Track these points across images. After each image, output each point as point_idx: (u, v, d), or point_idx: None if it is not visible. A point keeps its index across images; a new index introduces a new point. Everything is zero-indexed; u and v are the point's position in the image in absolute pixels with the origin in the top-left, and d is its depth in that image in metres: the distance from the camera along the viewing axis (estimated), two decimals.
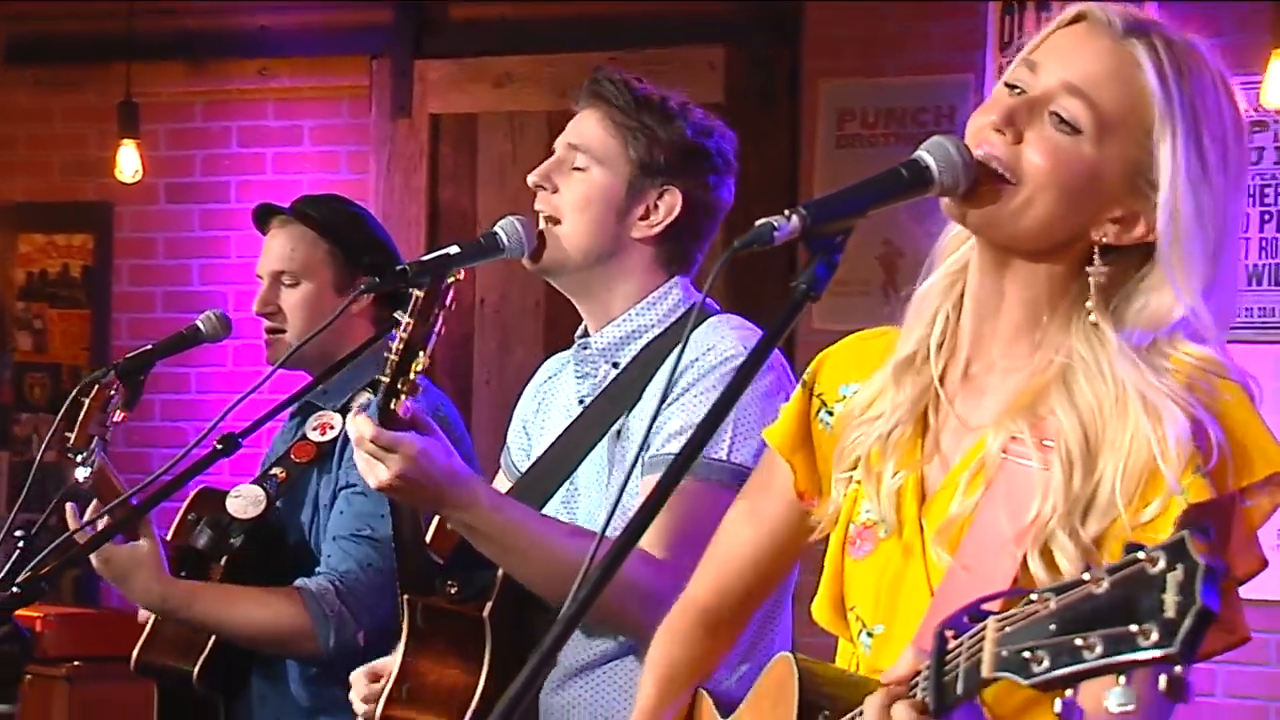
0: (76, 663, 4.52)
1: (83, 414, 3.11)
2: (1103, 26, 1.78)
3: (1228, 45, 4.66)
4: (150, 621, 3.24)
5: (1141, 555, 1.32)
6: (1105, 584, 1.34)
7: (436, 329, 2.47)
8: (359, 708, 2.64)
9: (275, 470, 3.28)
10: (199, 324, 3.32)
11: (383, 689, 2.58)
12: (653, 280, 2.66)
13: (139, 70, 5.78)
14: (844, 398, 1.94)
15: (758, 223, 1.73)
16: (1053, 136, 1.76)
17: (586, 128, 2.66)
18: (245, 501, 3.20)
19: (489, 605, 2.53)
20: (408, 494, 2.46)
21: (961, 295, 1.87)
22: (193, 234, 6.00)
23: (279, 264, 3.35)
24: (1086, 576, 1.36)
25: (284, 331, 3.33)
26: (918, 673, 1.55)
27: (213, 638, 3.19)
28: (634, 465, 1.93)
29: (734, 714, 1.97)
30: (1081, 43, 1.79)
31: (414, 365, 2.46)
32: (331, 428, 3.26)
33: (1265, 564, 1.79)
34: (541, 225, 2.65)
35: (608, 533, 1.68)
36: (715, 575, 2.08)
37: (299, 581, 3.18)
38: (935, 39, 5.18)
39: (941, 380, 1.85)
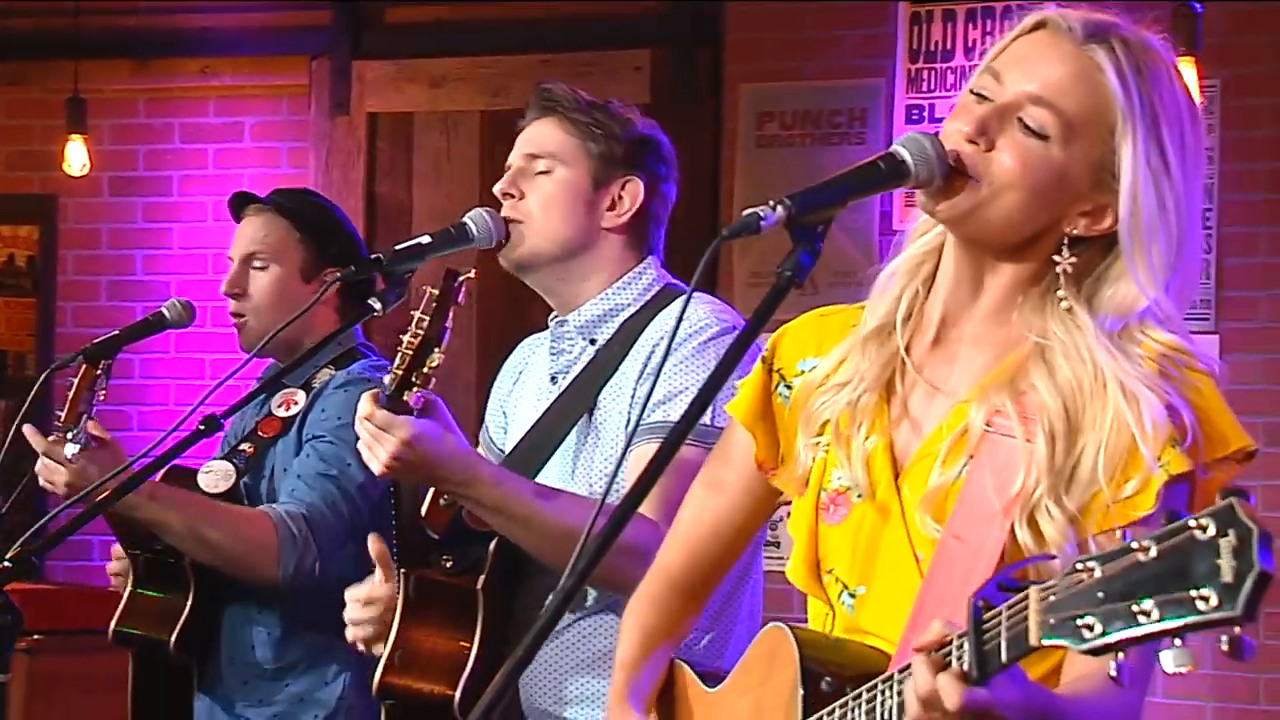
0: (36, 636, 4.44)
1: (71, 394, 3.07)
2: (1063, 33, 1.78)
3: None
4: (126, 595, 3.20)
5: (1192, 523, 1.31)
6: (1153, 551, 1.33)
7: (449, 326, 2.47)
8: (349, 613, 2.62)
9: (243, 446, 3.25)
10: (164, 311, 3.27)
11: (379, 625, 2.56)
12: (625, 264, 2.67)
13: (85, 67, 5.69)
14: (801, 372, 1.93)
15: (744, 212, 1.73)
16: (1022, 141, 1.76)
17: (543, 134, 2.66)
18: (215, 476, 3.18)
19: (482, 578, 2.51)
20: (406, 474, 2.44)
21: (930, 275, 1.88)
22: (136, 225, 5.91)
23: (251, 246, 3.32)
24: (1134, 545, 1.35)
25: (245, 316, 3.29)
26: (946, 643, 1.54)
27: (187, 607, 3.14)
28: (631, 436, 1.93)
29: (720, 685, 1.95)
30: (1044, 50, 1.79)
31: (429, 360, 2.44)
32: (295, 403, 3.24)
33: None
34: (510, 229, 2.64)
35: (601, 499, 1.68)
36: (683, 543, 2.07)
37: (264, 507, 3.14)
38: (849, 45, 5.21)
39: (908, 350, 1.85)
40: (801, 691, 1.73)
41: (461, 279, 2.49)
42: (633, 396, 2.54)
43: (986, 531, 1.70)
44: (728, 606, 2.53)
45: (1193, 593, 1.29)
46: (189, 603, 3.14)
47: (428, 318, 2.46)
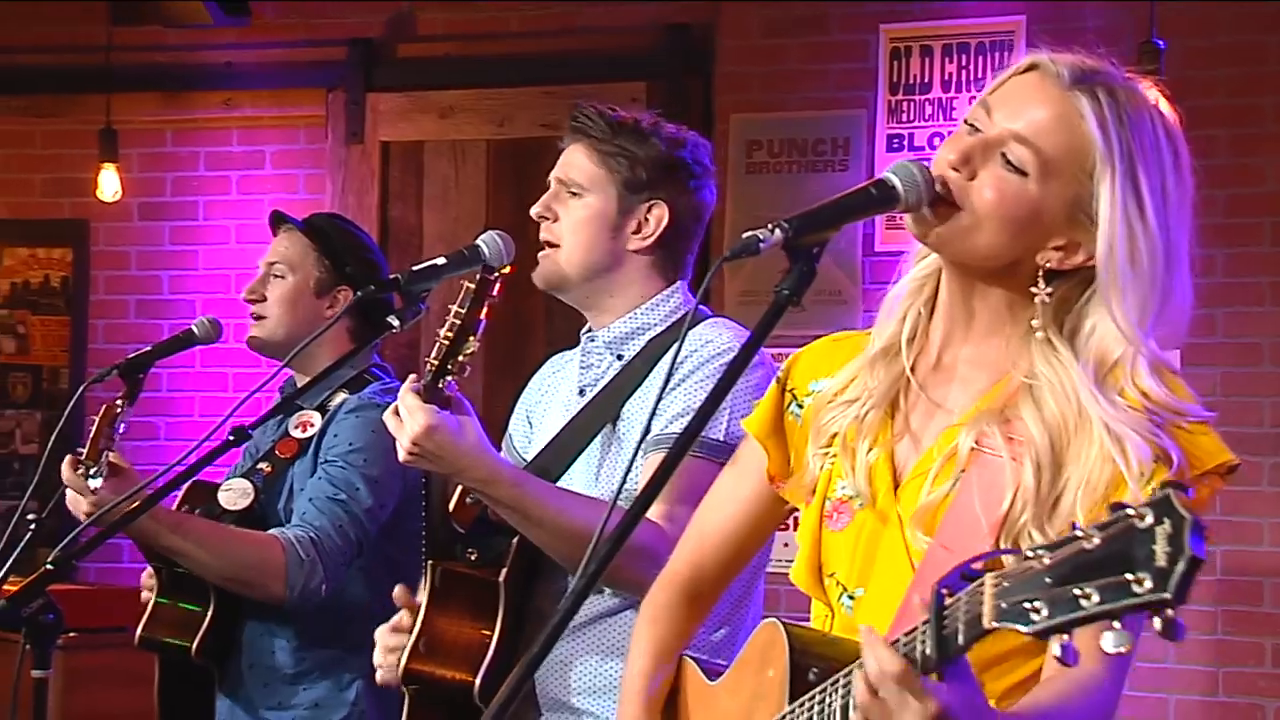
0: (72, 634, 4.43)
1: (93, 431, 3.05)
2: (1052, 77, 1.78)
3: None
4: (150, 604, 3.19)
5: (1130, 512, 1.32)
6: (1096, 539, 1.34)
7: (484, 318, 2.47)
8: (379, 658, 2.61)
9: (261, 465, 3.25)
10: (194, 328, 3.27)
11: (404, 644, 2.55)
12: (652, 286, 2.65)
13: (116, 100, 5.69)
14: (813, 393, 1.95)
15: (744, 235, 1.73)
16: (1002, 175, 1.77)
17: (573, 161, 2.65)
18: (235, 494, 3.17)
19: (504, 571, 2.51)
20: (426, 462, 2.43)
21: (930, 296, 1.89)
22: (163, 248, 5.90)
23: (274, 258, 3.36)
24: (1079, 534, 1.36)
25: (265, 317, 3.30)
26: (912, 630, 1.54)
27: (208, 616, 3.13)
28: (640, 445, 1.93)
29: (719, 678, 1.96)
30: (1032, 91, 1.79)
31: (464, 349, 2.45)
32: (311, 425, 3.24)
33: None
34: (545, 250, 2.64)
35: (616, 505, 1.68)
36: (694, 551, 2.08)
37: (274, 530, 3.13)
38: (832, 78, 5.21)
39: (912, 369, 1.86)
40: (789, 681, 1.73)
41: (497, 274, 2.49)
42: (653, 410, 2.53)
43: (972, 543, 1.69)
44: (740, 605, 2.53)
45: (1129, 577, 1.30)
46: (209, 613, 3.13)
47: (464, 309, 2.46)
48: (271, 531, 3.12)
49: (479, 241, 2.62)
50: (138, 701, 3.34)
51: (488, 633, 2.49)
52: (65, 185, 5.92)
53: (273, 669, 3.20)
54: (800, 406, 1.95)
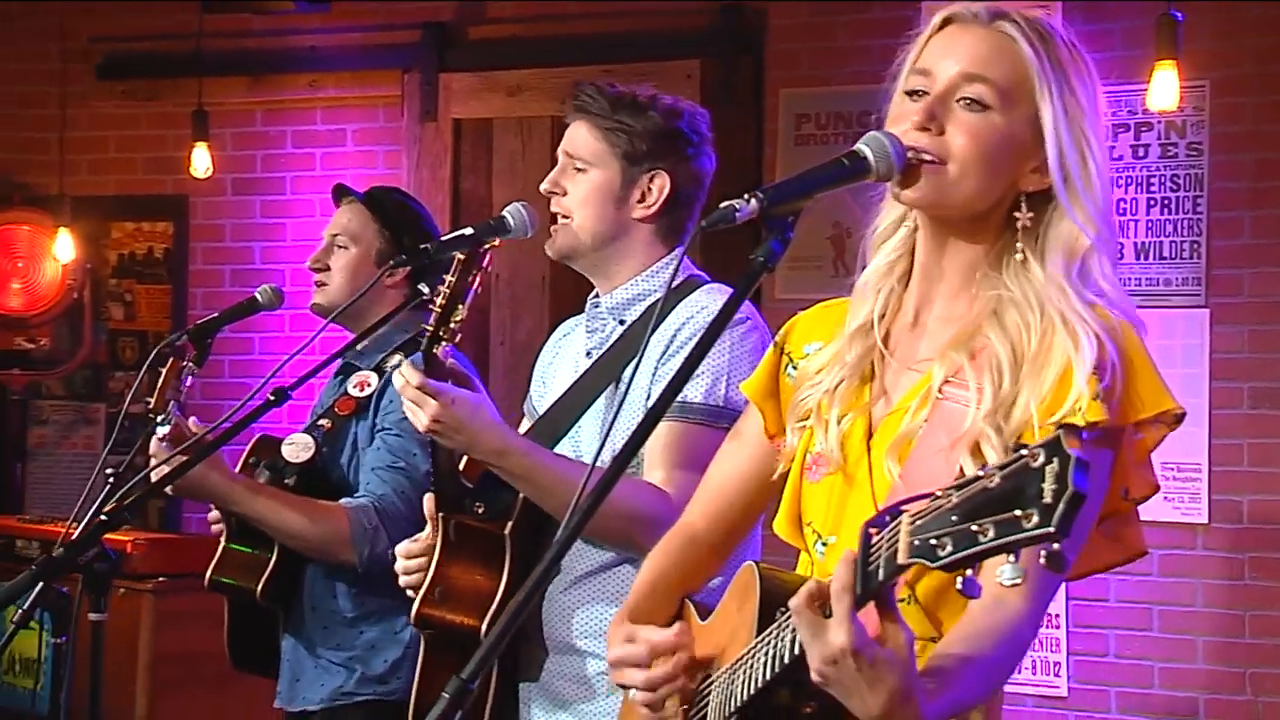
0: (161, 579, 4.50)
1: (160, 383, 3.11)
2: (970, 20, 1.79)
3: (1118, 59, 4.64)
4: (220, 549, 3.23)
5: (1025, 452, 1.33)
6: (996, 478, 1.35)
7: (474, 286, 2.47)
8: (400, 565, 2.63)
9: (322, 421, 3.28)
10: (257, 295, 3.32)
11: (421, 578, 2.57)
12: (655, 253, 2.64)
13: (209, 84, 5.74)
14: (807, 355, 1.94)
15: (722, 205, 1.72)
16: (969, 119, 1.76)
17: (577, 137, 2.64)
18: (297, 447, 3.20)
19: (510, 524, 2.53)
20: (444, 437, 2.44)
21: (904, 273, 1.87)
22: (255, 221, 5.95)
23: (336, 229, 3.39)
24: (982, 474, 1.37)
25: (327, 285, 3.33)
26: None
27: (272, 561, 3.17)
28: (618, 407, 1.93)
29: (709, 618, 1.96)
30: (960, 37, 1.79)
31: (454, 316, 2.45)
32: (368, 385, 3.26)
33: (1157, 488, 1.78)
34: (558, 222, 2.64)
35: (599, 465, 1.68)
36: (706, 504, 2.07)
37: (343, 500, 3.16)
38: (876, 54, 5.05)
39: (886, 338, 1.85)
40: (758, 619, 1.73)
41: (487, 246, 2.50)
42: (654, 374, 2.52)
43: (934, 477, 1.67)
44: (737, 556, 2.52)
45: (1018, 513, 1.31)
46: (274, 557, 3.17)
47: (454, 279, 2.46)
48: (341, 500, 3.15)
49: (505, 212, 2.63)
50: (220, 641, 3.39)
51: (495, 581, 2.50)
52: (166, 164, 5.98)
53: (333, 612, 3.23)
54: (795, 369, 1.95)
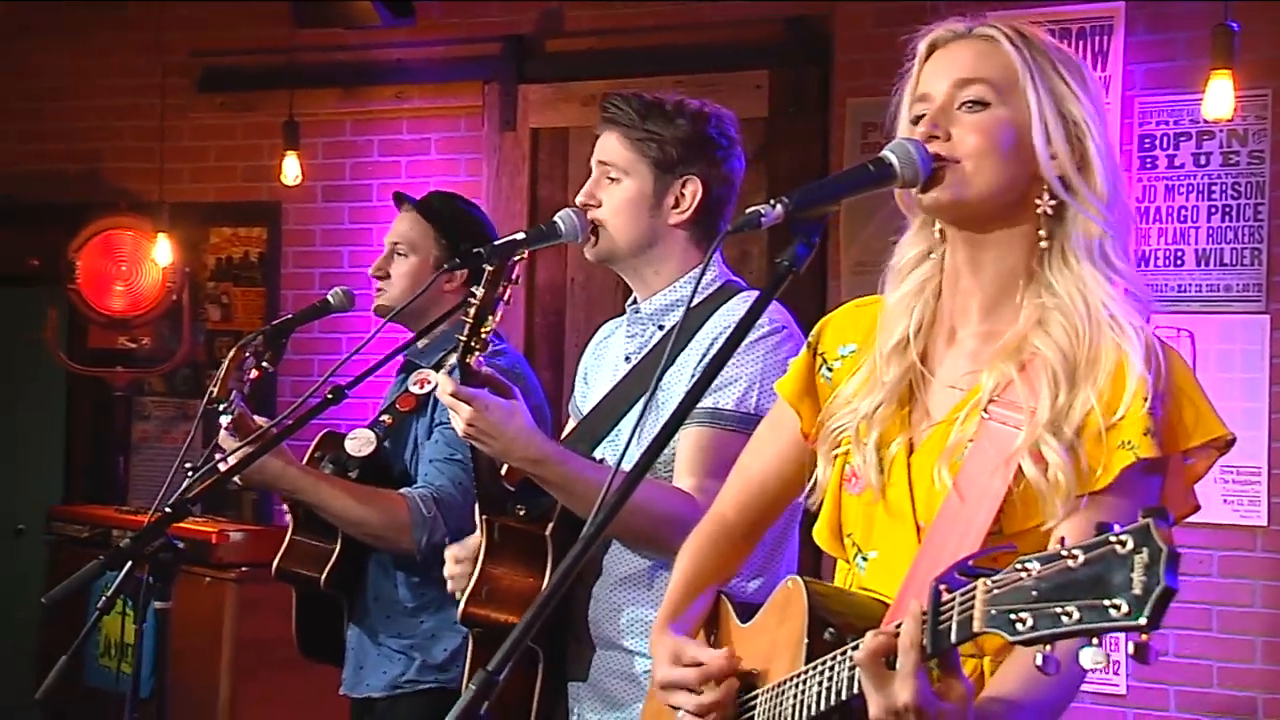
0: (244, 568, 4.52)
1: (222, 373, 3.10)
2: (952, 38, 1.77)
3: (1180, 68, 4.51)
4: (287, 539, 3.22)
5: (1112, 537, 1.29)
6: (1080, 559, 1.31)
7: (503, 297, 2.43)
8: (447, 569, 2.61)
9: (384, 417, 3.27)
10: (329, 297, 3.31)
11: (468, 578, 2.54)
12: (691, 259, 2.59)
13: (301, 96, 5.76)
14: (842, 356, 1.89)
15: (747, 210, 1.66)
16: (973, 118, 1.73)
17: (609, 146, 2.60)
18: (360, 442, 3.20)
19: (550, 525, 2.49)
20: (480, 442, 2.41)
21: (936, 290, 1.81)
22: (343, 226, 5.97)
23: (396, 237, 3.37)
24: (1063, 552, 1.32)
25: (384, 290, 3.31)
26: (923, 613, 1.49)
27: (336, 551, 3.16)
28: (644, 411, 1.88)
29: (749, 622, 1.90)
30: (947, 55, 1.77)
31: (485, 327, 2.41)
32: (429, 383, 3.25)
33: (1198, 508, 1.73)
34: (595, 231, 2.60)
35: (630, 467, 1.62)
36: (738, 494, 2.03)
37: (403, 490, 3.15)
38: None
39: (924, 358, 1.78)
40: (806, 640, 1.68)
41: (515, 259, 2.45)
42: (691, 380, 2.47)
43: (987, 488, 1.63)
44: (774, 557, 2.46)
45: (1107, 601, 1.27)
46: (337, 548, 3.16)
47: (483, 291, 2.43)
48: (401, 490, 3.13)
49: (556, 218, 2.59)
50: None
51: (538, 580, 2.46)
52: (261, 172, 6.02)
53: (395, 602, 3.22)
54: (830, 370, 1.90)
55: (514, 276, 2.44)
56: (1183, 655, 4.50)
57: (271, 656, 4.13)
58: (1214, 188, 4.58)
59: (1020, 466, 1.63)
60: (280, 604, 3.44)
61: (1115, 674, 4.55)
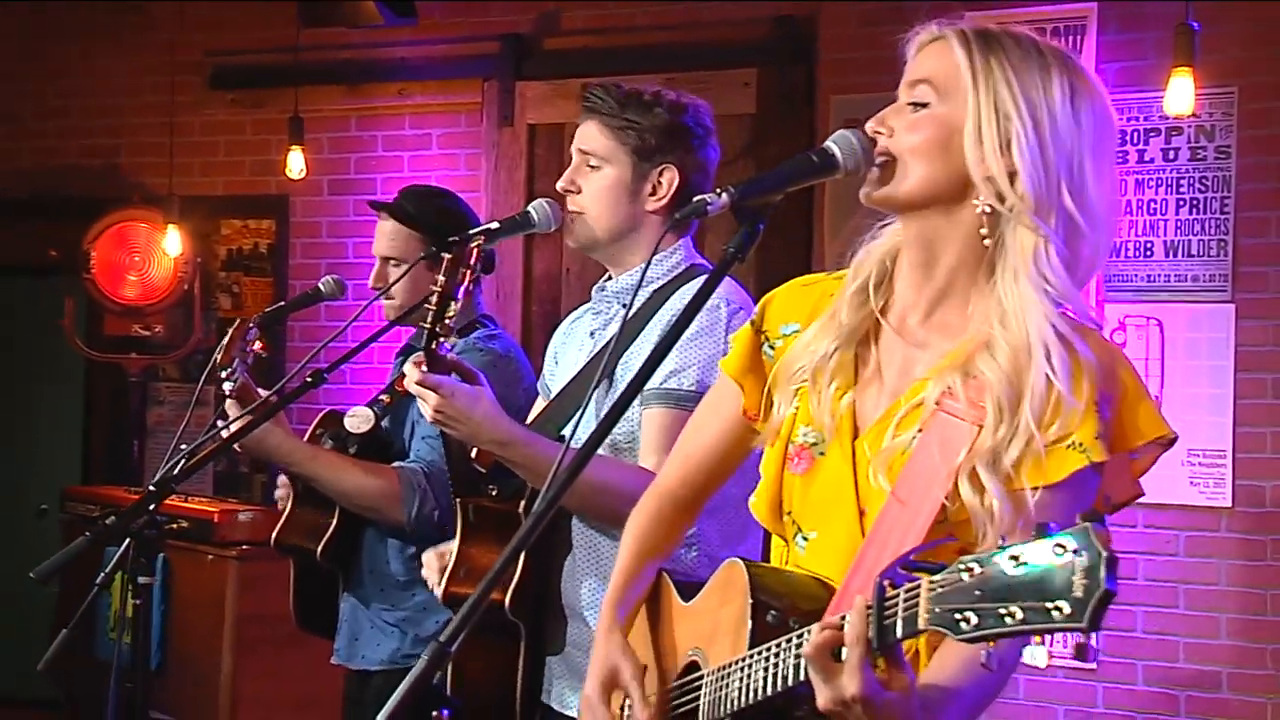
0: (245, 546, 4.54)
1: (225, 342, 3.12)
2: (926, 40, 1.77)
3: (1149, 66, 4.51)
4: (286, 513, 3.24)
5: (1053, 541, 1.29)
6: (1022, 558, 1.31)
7: (463, 284, 2.42)
8: (429, 577, 2.61)
9: (382, 396, 3.27)
10: (320, 286, 3.31)
11: (445, 569, 2.55)
12: (666, 244, 2.59)
13: (307, 93, 5.78)
14: (784, 335, 1.87)
15: (695, 199, 1.68)
16: (912, 117, 1.74)
17: (589, 135, 2.60)
18: (358, 419, 3.21)
19: (523, 503, 2.50)
20: (448, 427, 2.42)
21: (896, 263, 1.80)
22: (348, 218, 5.99)
23: (386, 250, 3.36)
24: (1005, 554, 1.33)
25: (393, 298, 3.31)
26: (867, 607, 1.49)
27: (333, 524, 3.17)
28: (596, 388, 1.88)
29: (691, 601, 1.90)
30: (917, 56, 1.77)
31: (448, 314, 2.41)
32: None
33: (1142, 494, 1.73)
34: (574, 218, 2.60)
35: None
36: (679, 468, 2.03)
37: (395, 463, 3.16)
38: None
39: (883, 312, 1.76)
40: (750, 624, 1.67)
41: (472, 246, 2.46)
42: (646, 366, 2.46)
43: (927, 493, 1.62)
44: (744, 535, 2.46)
45: (1049, 604, 1.28)
46: (334, 521, 3.17)
47: (444, 279, 2.43)
48: (393, 464, 3.14)
49: (529, 208, 2.60)
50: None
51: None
52: (269, 166, 6.04)
53: (388, 575, 3.24)
54: (772, 348, 1.88)
55: (472, 263, 2.44)
56: (1151, 631, 4.51)
57: (272, 632, 4.15)
58: (1182, 182, 4.58)
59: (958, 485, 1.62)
60: (280, 581, 3.47)
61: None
